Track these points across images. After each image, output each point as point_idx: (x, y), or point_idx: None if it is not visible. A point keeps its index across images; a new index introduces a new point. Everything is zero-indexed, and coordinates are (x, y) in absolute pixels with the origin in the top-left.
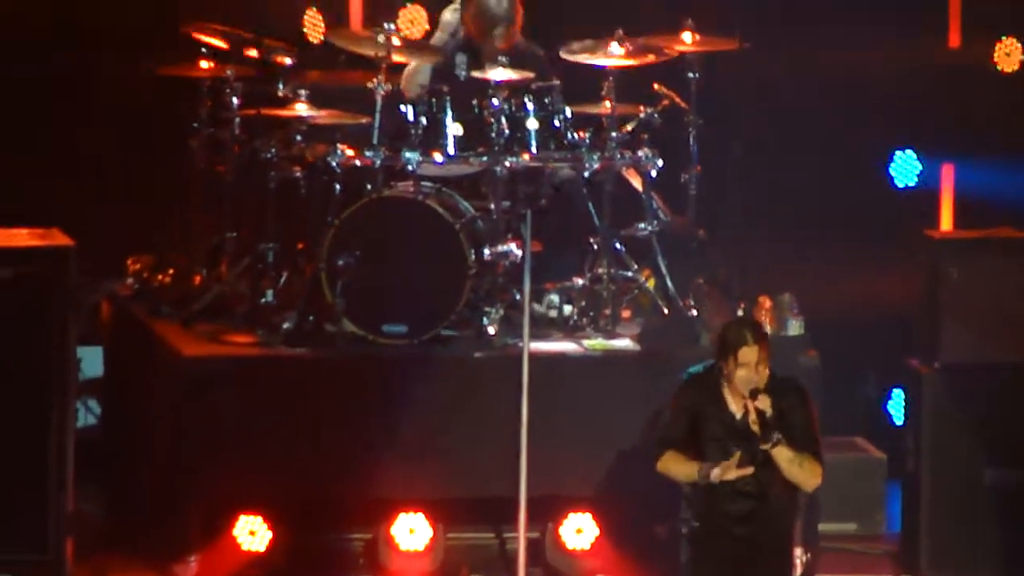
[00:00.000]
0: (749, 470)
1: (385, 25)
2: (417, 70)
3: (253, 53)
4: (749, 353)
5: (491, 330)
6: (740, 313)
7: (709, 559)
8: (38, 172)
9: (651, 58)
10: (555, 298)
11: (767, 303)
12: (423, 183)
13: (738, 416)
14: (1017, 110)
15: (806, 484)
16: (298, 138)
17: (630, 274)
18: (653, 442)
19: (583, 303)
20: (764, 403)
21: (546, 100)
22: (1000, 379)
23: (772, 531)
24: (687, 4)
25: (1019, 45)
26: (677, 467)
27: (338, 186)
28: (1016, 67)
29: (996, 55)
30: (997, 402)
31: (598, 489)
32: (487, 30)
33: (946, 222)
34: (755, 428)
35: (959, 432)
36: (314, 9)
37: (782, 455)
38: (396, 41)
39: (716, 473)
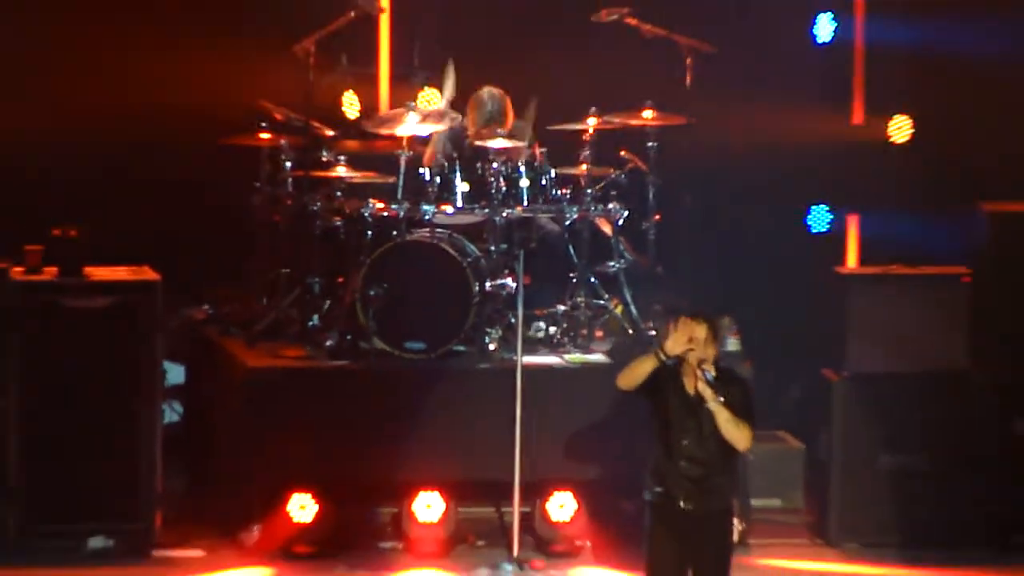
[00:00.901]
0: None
1: (408, 104)
2: (435, 141)
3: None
4: (698, 329)
5: (492, 347)
6: None
7: (664, 525)
8: (137, 221)
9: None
10: (542, 323)
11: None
12: (437, 230)
13: (691, 393)
14: (907, 173)
15: (740, 442)
16: (338, 194)
17: (602, 302)
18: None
19: (564, 325)
20: (711, 370)
21: (534, 164)
22: (894, 384)
23: (715, 504)
24: (648, 89)
25: (909, 121)
26: (636, 366)
27: (370, 232)
28: (906, 139)
29: (890, 129)
30: (891, 402)
31: (577, 473)
32: (486, 127)
33: (851, 260)
34: (704, 393)
35: (861, 426)
36: (351, 91)
37: (722, 414)
38: (416, 116)
39: (668, 344)
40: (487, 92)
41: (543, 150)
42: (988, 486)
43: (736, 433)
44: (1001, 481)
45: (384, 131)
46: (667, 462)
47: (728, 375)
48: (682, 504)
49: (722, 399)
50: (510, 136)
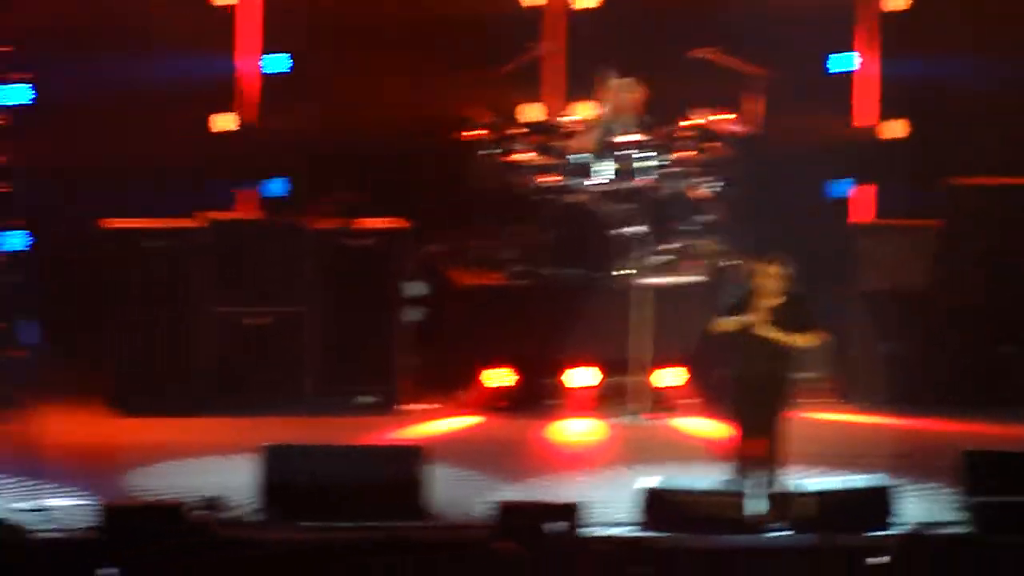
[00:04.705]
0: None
1: (570, 113)
2: (588, 133)
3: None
4: (770, 267)
5: (624, 271)
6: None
7: (740, 390)
8: (395, 190)
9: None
10: (660, 255)
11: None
12: (591, 194)
13: (760, 311)
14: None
15: (806, 344)
16: (523, 171)
17: (700, 242)
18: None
19: (675, 256)
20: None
21: (656, 149)
22: (886, 298)
23: (774, 375)
24: (724, 98)
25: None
26: (722, 323)
27: (543, 196)
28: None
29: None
30: (886, 310)
31: (684, 353)
32: (619, 109)
33: (863, 217)
34: (779, 338)
35: (866, 325)
36: (533, 102)
37: (796, 341)
38: (578, 117)
39: (730, 321)
40: (620, 82)
41: (660, 140)
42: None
43: (802, 341)
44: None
45: (555, 128)
46: (744, 352)
47: (794, 297)
48: (751, 376)
49: (791, 335)
50: (639, 123)
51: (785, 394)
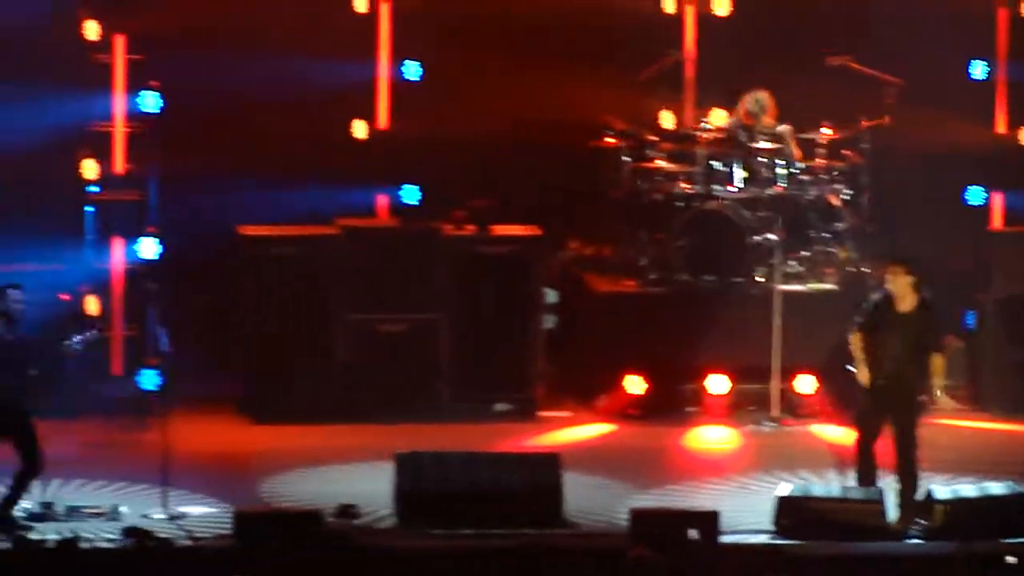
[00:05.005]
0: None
1: (704, 121)
2: (722, 141)
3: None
4: (901, 270)
5: (759, 278)
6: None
7: (871, 396)
8: (527, 197)
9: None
10: (792, 262)
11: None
12: (724, 201)
13: (894, 314)
14: None
15: (938, 351)
16: (658, 178)
17: (832, 249)
18: (853, 321)
19: (807, 264)
20: (911, 305)
21: (788, 156)
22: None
23: (906, 383)
24: (859, 107)
25: None
26: (856, 351)
27: (679, 203)
28: None
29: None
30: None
31: (815, 361)
32: (752, 119)
33: (997, 223)
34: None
35: (999, 331)
36: (668, 110)
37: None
38: (711, 127)
39: (862, 374)
40: (755, 95)
41: (794, 149)
42: None
43: (936, 350)
44: None
45: (689, 136)
46: (877, 355)
47: (924, 302)
48: (883, 382)
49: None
50: (771, 134)
51: (916, 401)
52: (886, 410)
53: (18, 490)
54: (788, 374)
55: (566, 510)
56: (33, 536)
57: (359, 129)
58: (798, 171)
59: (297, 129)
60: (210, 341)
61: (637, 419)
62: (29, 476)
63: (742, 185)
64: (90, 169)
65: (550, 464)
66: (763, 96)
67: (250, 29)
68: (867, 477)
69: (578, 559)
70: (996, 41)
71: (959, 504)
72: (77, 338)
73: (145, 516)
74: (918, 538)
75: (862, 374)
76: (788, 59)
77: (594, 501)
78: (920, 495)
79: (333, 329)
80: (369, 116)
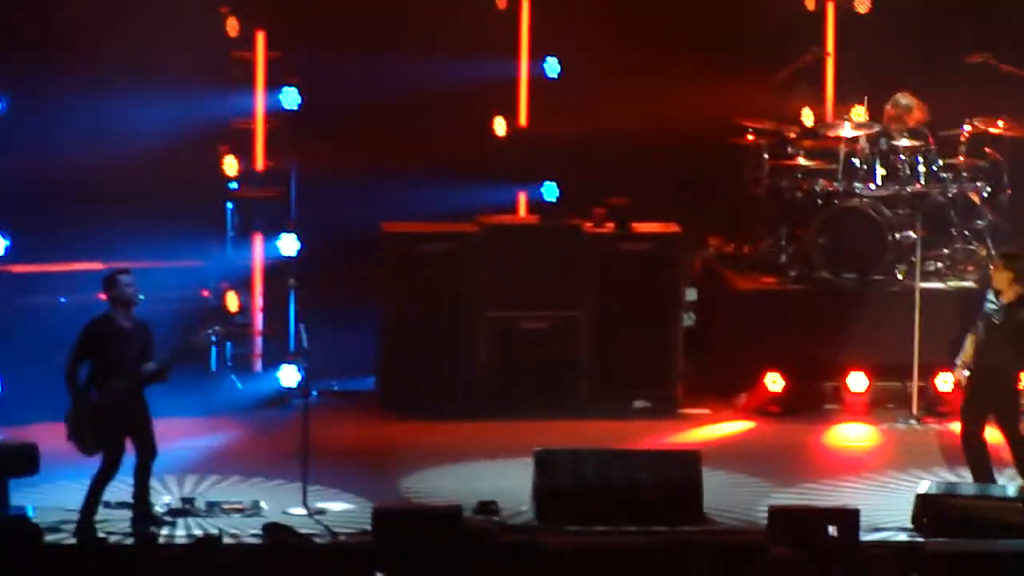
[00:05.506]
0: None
1: (845, 116)
2: (862, 139)
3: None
4: (1003, 269)
5: (899, 276)
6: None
7: (972, 383)
8: (666, 193)
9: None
10: (933, 261)
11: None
12: (864, 199)
13: (997, 307)
14: None
15: None
16: (798, 176)
17: (972, 247)
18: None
19: (947, 262)
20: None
21: (928, 154)
22: None
23: (1006, 373)
24: (999, 105)
25: None
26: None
27: (819, 201)
28: None
29: None
30: None
31: (955, 359)
32: (897, 119)
33: None
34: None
35: None
36: (807, 107)
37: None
38: (850, 125)
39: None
40: (901, 96)
41: (934, 146)
42: None
43: None
44: None
45: (830, 134)
46: (978, 349)
47: (1021, 298)
48: (981, 374)
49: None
50: (914, 132)
51: (1014, 392)
52: (987, 402)
53: (144, 486)
54: (928, 372)
55: (705, 507)
56: (178, 532)
57: (499, 126)
58: (940, 168)
59: (437, 126)
60: (350, 337)
61: (776, 416)
62: (146, 468)
63: (883, 182)
64: (231, 166)
65: (690, 461)
66: (909, 98)
67: (388, 25)
68: (979, 470)
69: (719, 555)
70: None
71: None
72: (205, 334)
73: (285, 512)
74: None
75: (962, 366)
76: (928, 55)
77: (733, 498)
78: None
79: (474, 326)
80: (510, 113)
